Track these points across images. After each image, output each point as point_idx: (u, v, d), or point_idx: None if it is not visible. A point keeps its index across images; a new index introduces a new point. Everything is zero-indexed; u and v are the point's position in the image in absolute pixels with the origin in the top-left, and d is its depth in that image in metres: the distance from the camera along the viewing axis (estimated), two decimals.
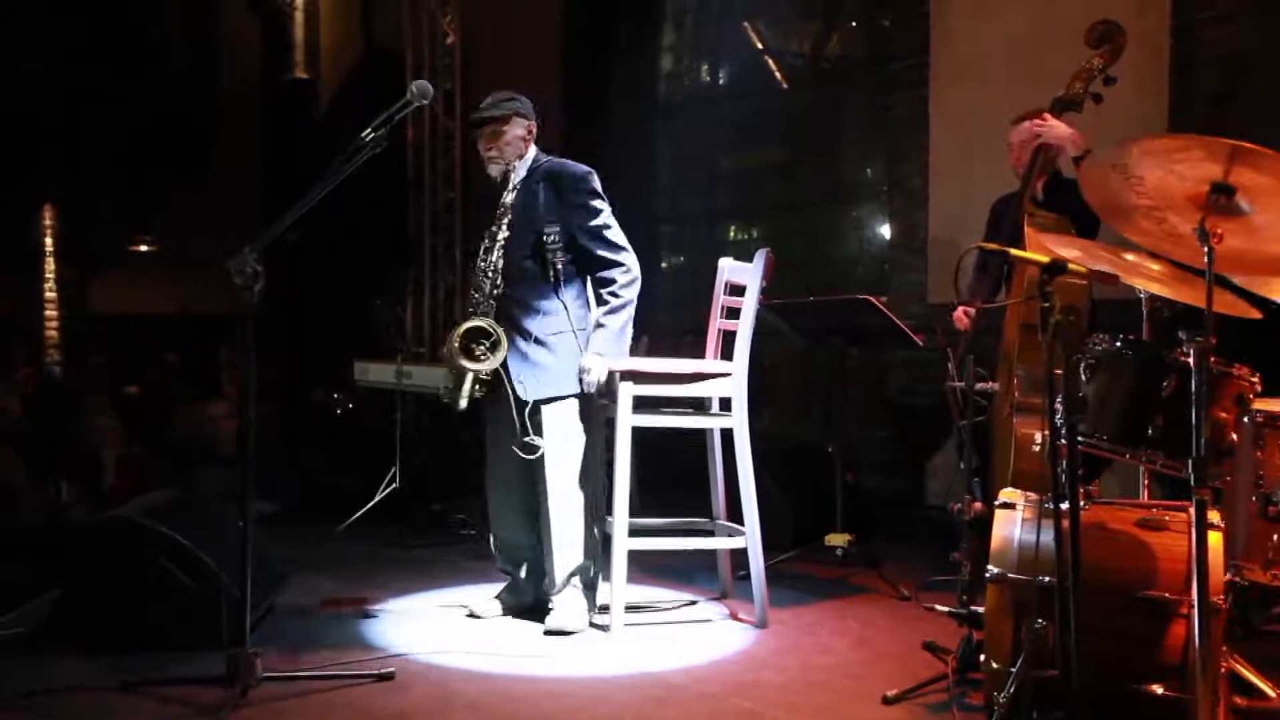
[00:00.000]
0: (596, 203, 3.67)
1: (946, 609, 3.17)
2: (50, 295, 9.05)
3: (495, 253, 3.68)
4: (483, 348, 3.56)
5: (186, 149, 8.92)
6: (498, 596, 3.88)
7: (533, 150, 3.78)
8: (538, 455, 3.61)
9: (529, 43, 7.36)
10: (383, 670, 3.17)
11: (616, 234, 3.68)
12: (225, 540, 3.50)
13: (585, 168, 3.72)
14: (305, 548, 4.82)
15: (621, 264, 3.64)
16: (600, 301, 3.68)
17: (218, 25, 9.37)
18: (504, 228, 3.71)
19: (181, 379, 7.64)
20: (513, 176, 3.75)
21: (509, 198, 3.73)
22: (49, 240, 9.07)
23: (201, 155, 9.00)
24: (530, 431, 3.61)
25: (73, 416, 6.23)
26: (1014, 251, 2.56)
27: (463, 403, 3.63)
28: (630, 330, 3.67)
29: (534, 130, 3.77)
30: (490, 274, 3.68)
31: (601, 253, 3.64)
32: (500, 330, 3.57)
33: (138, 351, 8.07)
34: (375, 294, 6.44)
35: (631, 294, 3.64)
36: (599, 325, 3.63)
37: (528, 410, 3.62)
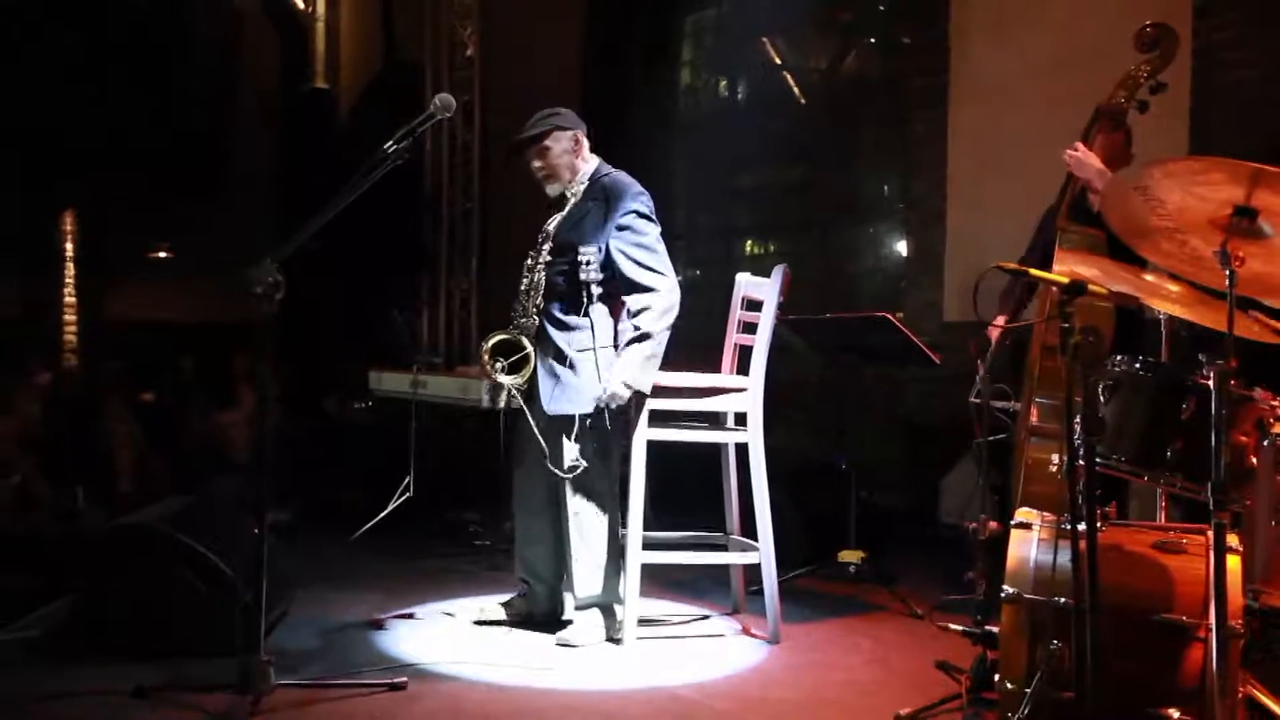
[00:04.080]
0: (643, 224, 3.61)
1: (961, 628, 3.17)
2: (69, 300, 9.10)
3: (538, 270, 3.68)
4: (509, 361, 3.58)
5: (205, 157, 8.97)
6: (509, 603, 3.87)
7: (592, 162, 3.74)
8: (568, 471, 3.61)
9: (548, 56, 7.39)
10: (394, 680, 3.18)
11: (659, 260, 3.62)
12: (239, 548, 3.52)
13: (639, 189, 3.67)
14: (317, 557, 4.83)
15: (657, 290, 3.57)
16: (632, 326, 3.61)
17: (238, 35, 9.43)
18: (548, 243, 3.70)
19: (196, 386, 7.66)
20: (569, 192, 3.72)
21: (554, 219, 3.70)
22: (69, 246, 9.12)
23: (220, 164, 9.04)
24: (549, 447, 3.63)
25: (90, 422, 6.26)
26: (1033, 272, 2.56)
27: (500, 403, 3.64)
28: (658, 360, 3.60)
29: (582, 139, 3.72)
30: (531, 290, 3.68)
31: (638, 278, 3.58)
32: (529, 344, 3.58)
33: (153, 358, 8.10)
34: (390, 304, 6.46)
35: (662, 324, 3.57)
36: (626, 347, 3.58)
37: (549, 426, 3.63)
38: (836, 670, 3.46)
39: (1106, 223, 2.69)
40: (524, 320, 3.66)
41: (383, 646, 3.61)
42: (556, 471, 3.58)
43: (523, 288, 3.73)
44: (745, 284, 4.06)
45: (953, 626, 3.28)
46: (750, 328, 3.90)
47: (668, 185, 7.47)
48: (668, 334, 3.61)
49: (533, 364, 3.58)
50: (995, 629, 2.86)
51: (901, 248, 6.52)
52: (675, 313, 3.62)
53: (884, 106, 6.67)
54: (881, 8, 6.90)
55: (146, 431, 6.67)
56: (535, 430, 3.58)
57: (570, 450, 3.61)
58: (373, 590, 4.28)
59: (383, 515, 5.40)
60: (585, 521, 3.63)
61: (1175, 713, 2.48)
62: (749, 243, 7.79)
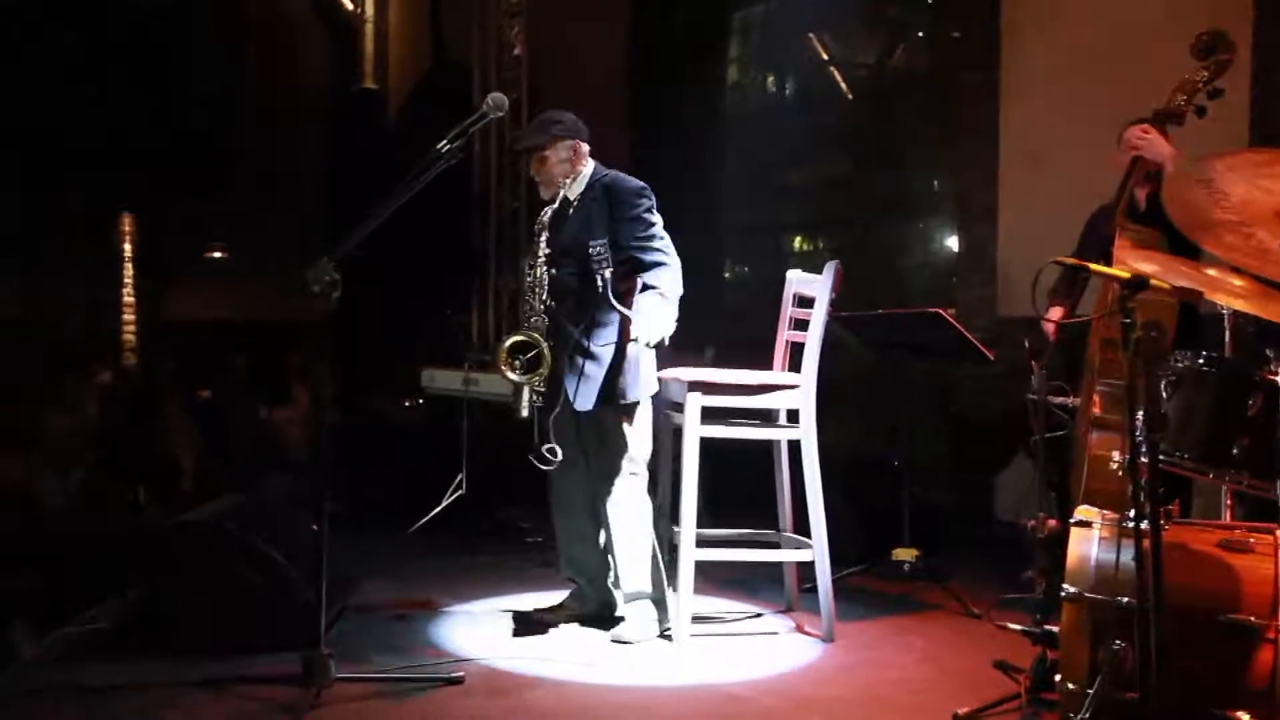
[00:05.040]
0: (649, 216, 3.68)
1: (1020, 627, 3.13)
2: (128, 301, 9.27)
3: (539, 268, 3.70)
4: (526, 360, 3.60)
5: (258, 159, 9.10)
6: (563, 603, 3.90)
7: (589, 166, 3.78)
8: (601, 466, 3.62)
9: (595, 55, 7.41)
10: (452, 675, 3.21)
11: (666, 245, 3.68)
12: (296, 544, 3.58)
13: (639, 183, 3.72)
14: (371, 553, 4.88)
15: (668, 265, 3.65)
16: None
17: (289, 37, 9.55)
18: (543, 244, 3.70)
19: (250, 385, 7.77)
20: (567, 193, 3.75)
21: (547, 213, 3.73)
22: (127, 248, 9.29)
23: (272, 165, 9.17)
24: (582, 443, 3.64)
25: (150, 420, 6.38)
26: (1093, 266, 2.53)
27: (523, 411, 3.66)
28: (674, 312, 3.65)
29: (581, 148, 3.75)
30: (538, 288, 3.70)
31: (650, 258, 3.65)
32: (544, 343, 3.60)
33: (209, 357, 8.23)
34: (440, 304, 6.51)
35: (675, 288, 3.64)
36: (645, 294, 3.62)
37: (580, 423, 3.64)
38: (891, 669, 3.45)
39: (1166, 217, 2.66)
40: (535, 319, 3.67)
41: (439, 641, 3.65)
42: (545, 466, 3.59)
43: (526, 285, 3.74)
44: (796, 280, 4.04)
45: (1011, 626, 3.24)
46: (801, 324, 3.89)
47: (715, 182, 7.45)
48: (676, 299, 3.65)
49: (547, 361, 3.58)
50: (1055, 628, 2.83)
51: (952, 243, 6.46)
52: (680, 289, 3.67)
53: (933, 101, 6.61)
54: (930, 2, 6.84)
55: (203, 430, 6.78)
56: (549, 430, 3.60)
57: (601, 444, 3.63)
58: (426, 587, 4.32)
59: (435, 512, 5.45)
60: (625, 516, 3.65)
61: (1245, 715, 2.43)
62: (797, 239, 7.76)
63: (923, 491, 4.95)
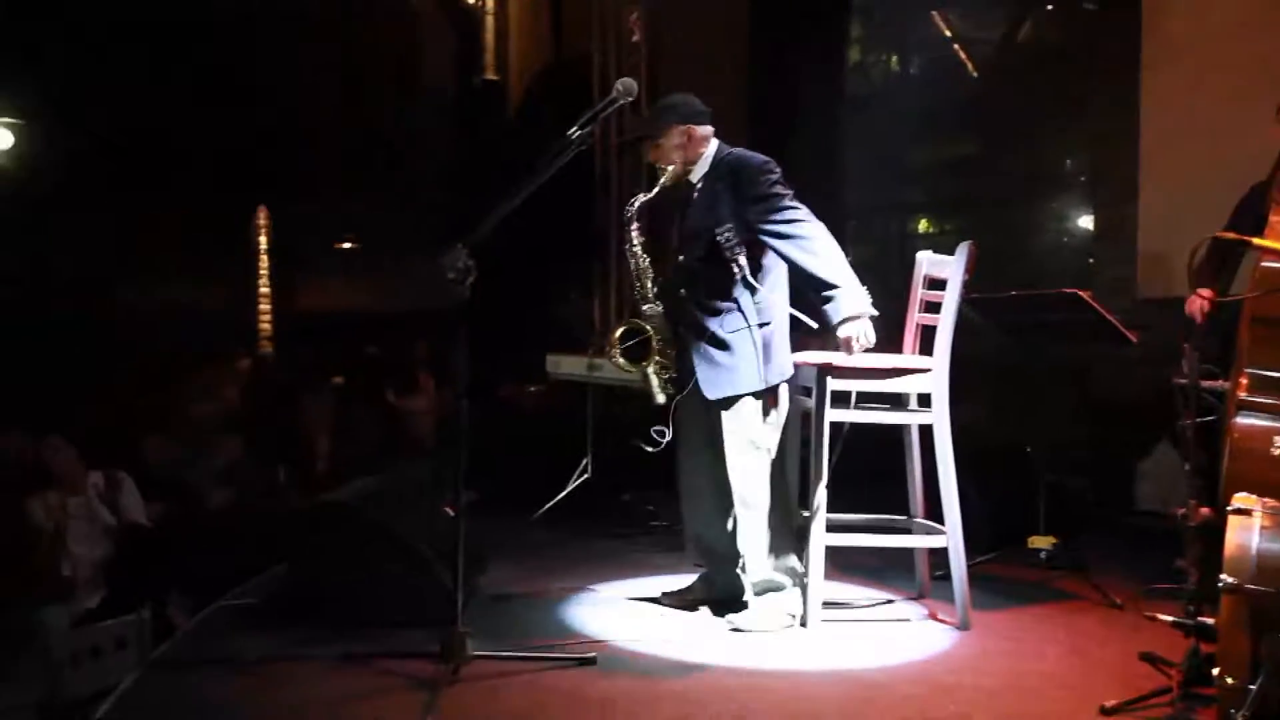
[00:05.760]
0: (777, 190, 3.53)
1: (1171, 619, 3.01)
2: (264, 291, 9.66)
3: (638, 256, 3.67)
4: (634, 347, 3.60)
5: (386, 152, 9.36)
6: (691, 587, 3.90)
7: (711, 147, 3.68)
8: (729, 452, 3.61)
9: (714, 38, 7.37)
10: (585, 655, 3.25)
11: (804, 215, 3.50)
12: (431, 525, 3.67)
13: (763, 158, 3.60)
14: (499, 536, 4.95)
15: (811, 236, 3.47)
16: (818, 290, 3.50)
17: (413, 32, 9.78)
18: (635, 231, 3.68)
19: (380, 372, 8.00)
20: (691, 178, 3.69)
21: (636, 201, 3.68)
22: (263, 240, 9.68)
23: (399, 158, 9.41)
24: (711, 430, 3.64)
25: (287, 406, 6.62)
26: (1257, 241, 2.41)
27: (659, 397, 3.67)
28: (857, 285, 3.47)
29: (696, 132, 3.66)
30: (643, 275, 3.68)
31: (790, 230, 3.48)
32: (650, 328, 3.59)
33: (341, 345, 8.51)
34: (564, 290, 6.57)
35: (838, 259, 3.46)
36: (824, 294, 3.45)
37: (711, 410, 3.63)
38: (1031, 659, 3.35)
39: None
40: (646, 307, 3.66)
41: (568, 623, 3.70)
42: (650, 449, 3.59)
43: (631, 272, 3.72)
44: (927, 262, 3.95)
45: (1162, 617, 3.12)
46: (932, 307, 3.81)
47: (837, 164, 7.35)
48: (838, 254, 3.49)
49: (654, 348, 3.57)
50: (1209, 620, 2.72)
51: (1086, 222, 6.24)
52: (829, 242, 3.50)
53: (1066, 75, 6.39)
54: None
55: (336, 415, 7.02)
56: (703, 413, 3.58)
57: (730, 432, 3.59)
58: (554, 569, 4.38)
59: (561, 496, 5.52)
60: (752, 504, 3.61)
61: None
62: (923, 220, 7.61)
63: (1057, 478, 4.80)
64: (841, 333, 3.45)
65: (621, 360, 3.63)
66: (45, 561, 4.36)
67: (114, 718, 2.86)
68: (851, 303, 3.45)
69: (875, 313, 3.48)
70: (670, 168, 3.68)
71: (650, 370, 3.63)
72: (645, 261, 3.67)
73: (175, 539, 4.73)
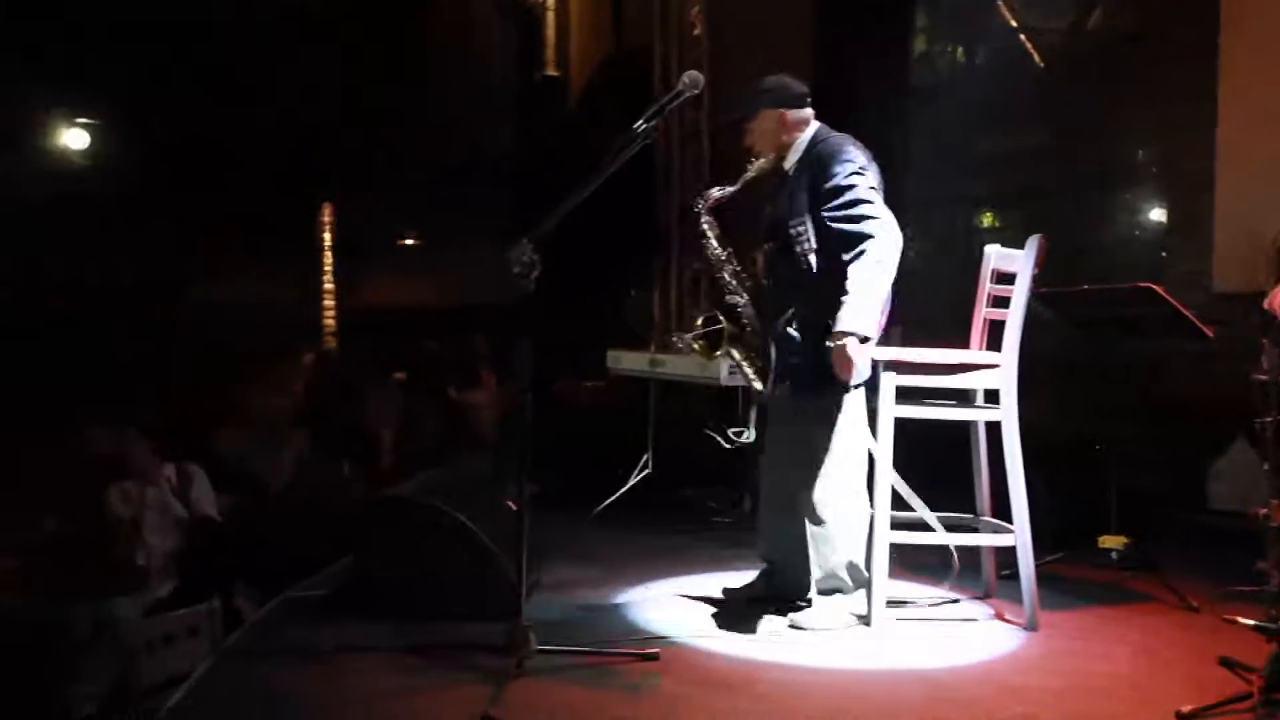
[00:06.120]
0: (847, 182, 3.40)
1: (1252, 622, 2.93)
2: (328, 287, 9.82)
3: (714, 248, 3.66)
4: (710, 334, 3.59)
5: (447, 148, 9.44)
6: (753, 583, 3.86)
7: (807, 132, 3.59)
8: (796, 449, 3.57)
9: (776, 30, 7.31)
10: (646, 651, 3.24)
11: (869, 211, 3.37)
12: (493, 518, 3.69)
13: (843, 145, 3.48)
14: (559, 531, 4.97)
15: (871, 236, 3.34)
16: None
17: (474, 28, 9.85)
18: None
19: (442, 367, 8.08)
20: (784, 164, 3.62)
21: (714, 192, 3.65)
22: (327, 237, 9.84)
23: (461, 153, 9.48)
24: (782, 426, 3.61)
25: (351, 400, 6.71)
26: None
27: (757, 385, 3.67)
28: (877, 305, 3.34)
29: (789, 117, 3.57)
30: (727, 264, 3.66)
31: (851, 229, 3.38)
32: (721, 318, 3.56)
33: (403, 340, 8.61)
34: (626, 285, 6.57)
35: (876, 271, 3.30)
36: (844, 299, 3.33)
37: (783, 406, 3.60)
38: (1101, 660, 3.29)
39: None
40: (729, 297, 3.65)
41: (631, 618, 3.70)
42: (728, 445, 3.57)
43: (714, 262, 3.70)
44: (995, 256, 3.89)
45: (1242, 620, 3.04)
46: (1000, 301, 3.74)
47: (900, 157, 7.25)
48: (887, 278, 3.35)
49: (728, 337, 3.56)
50: None
51: (1158, 214, 6.09)
52: (894, 254, 3.37)
53: (1137, 63, 6.23)
54: None
55: (398, 409, 7.10)
56: (790, 405, 3.55)
57: (800, 427, 3.56)
58: (615, 565, 4.38)
59: (622, 492, 5.52)
60: (820, 501, 3.56)
61: None
62: (988, 213, 7.49)
63: (1127, 477, 4.69)
64: (829, 342, 3.34)
65: (696, 347, 3.63)
66: (122, 551, 4.47)
67: (187, 705, 2.91)
68: (850, 319, 3.30)
69: (872, 338, 3.36)
70: (760, 160, 3.60)
71: (740, 359, 3.62)
72: (725, 253, 3.63)
73: (243, 531, 4.82)
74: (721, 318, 3.59)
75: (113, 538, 4.44)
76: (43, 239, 8.06)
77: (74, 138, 8.91)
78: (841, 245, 3.41)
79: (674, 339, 3.69)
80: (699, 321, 3.66)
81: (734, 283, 3.67)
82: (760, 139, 3.61)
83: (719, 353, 3.68)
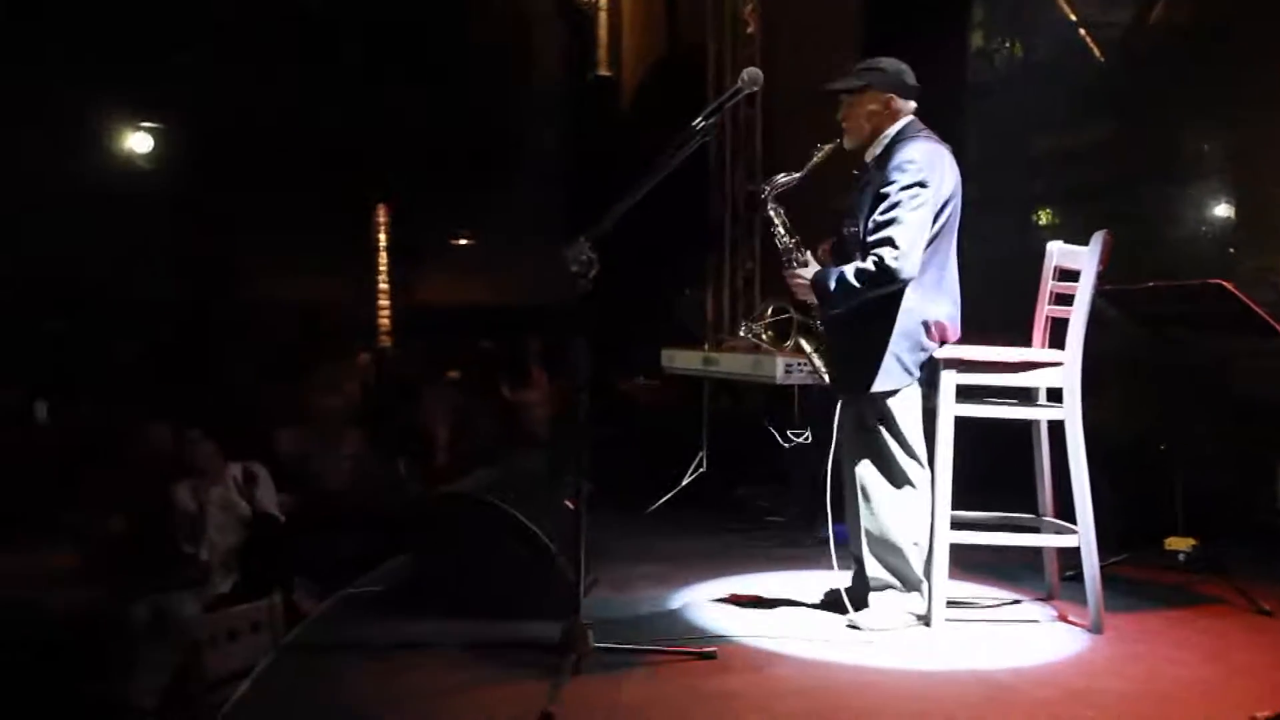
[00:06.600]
0: (899, 195, 3.35)
1: None
2: (383, 287, 9.93)
3: (780, 237, 3.61)
4: (777, 325, 3.57)
5: (500, 148, 9.50)
6: (848, 588, 3.71)
7: (897, 126, 3.51)
8: (857, 445, 3.54)
9: (829, 26, 7.26)
10: (704, 650, 3.23)
11: (895, 230, 3.33)
12: (550, 516, 3.70)
13: (910, 151, 3.42)
14: (613, 530, 4.96)
15: (868, 265, 3.34)
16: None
17: (527, 28, 9.90)
18: (769, 211, 3.61)
19: (496, 366, 8.12)
20: (867, 155, 3.56)
21: (778, 180, 3.59)
22: (382, 237, 9.95)
23: (514, 154, 9.54)
24: (845, 422, 3.58)
25: (407, 400, 6.77)
26: None
27: (826, 378, 3.64)
28: (838, 297, 3.40)
29: (895, 104, 3.48)
30: (794, 254, 3.61)
31: (872, 239, 3.38)
32: (791, 309, 3.53)
33: (457, 339, 8.67)
34: (679, 283, 6.56)
35: (865, 284, 3.34)
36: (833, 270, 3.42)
37: (846, 402, 3.57)
38: (1170, 664, 3.21)
39: None
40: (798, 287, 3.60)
41: (688, 617, 3.68)
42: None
43: (783, 250, 3.63)
44: (1058, 253, 3.82)
45: None
46: (1062, 299, 3.68)
47: (960, 154, 7.16)
48: (860, 297, 3.38)
49: (795, 328, 3.53)
50: None
51: (1225, 209, 5.96)
52: (881, 289, 3.36)
53: (1201, 58, 6.10)
54: None
55: (453, 408, 7.14)
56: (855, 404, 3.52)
57: (860, 424, 3.52)
58: (669, 563, 4.36)
59: (677, 490, 5.51)
60: (874, 498, 3.52)
61: None
62: (1047, 210, 7.37)
63: (1194, 477, 4.58)
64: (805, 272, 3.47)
65: (765, 338, 3.61)
66: (186, 547, 4.55)
67: (251, 698, 2.95)
68: (824, 278, 3.43)
69: (813, 302, 3.50)
70: (827, 146, 3.51)
71: (810, 350, 3.59)
72: (792, 241, 3.57)
73: (303, 528, 4.88)
74: (790, 308, 3.55)
75: (177, 534, 4.52)
76: (104, 241, 8.24)
77: (138, 141, 9.09)
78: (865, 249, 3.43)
79: (741, 328, 3.63)
80: (768, 311, 3.61)
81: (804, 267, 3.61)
82: (856, 118, 3.52)
83: (788, 343, 3.64)
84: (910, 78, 3.56)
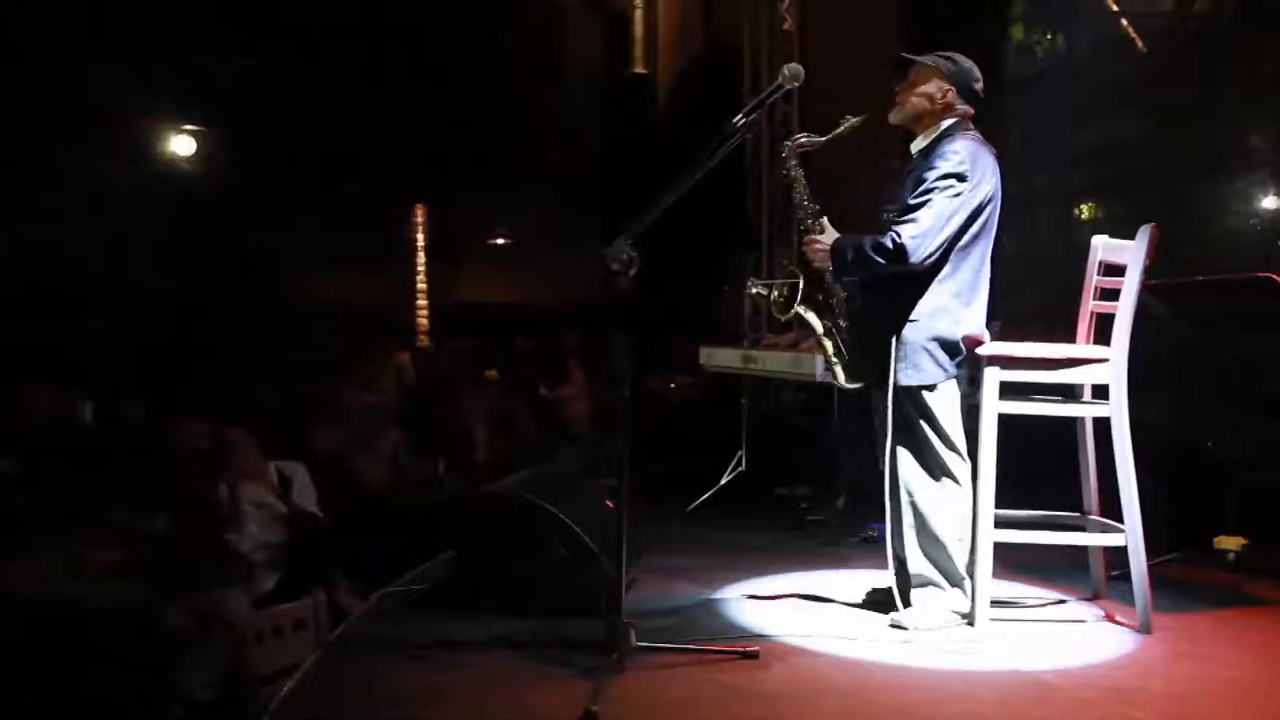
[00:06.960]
0: (934, 183, 3.33)
1: None
2: (420, 286, 9.99)
3: (807, 218, 3.59)
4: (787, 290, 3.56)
5: (537, 147, 9.52)
6: (889, 587, 3.66)
7: (950, 119, 3.48)
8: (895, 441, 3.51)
9: (867, 23, 7.21)
10: (747, 649, 3.21)
11: (926, 211, 3.31)
12: (590, 515, 3.70)
13: (954, 148, 3.39)
14: (653, 528, 4.95)
15: (886, 242, 3.32)
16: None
17: (563, 26, 9.91)
18: (799, 195, 3.59)
19: (533, 364, 8.15)
20: (913, 147, 3.54)
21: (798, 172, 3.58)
22: (419, 237, 10.00)
23: (550, 152, 9.56)
24: (883, 417, 3.55)
25: (445, 399, 6.80)
26: None
27: (842, 380, 3.61)
28: (853, 267, 3.41)
29: (951, 96, 3.46)
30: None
31: (899, 216, 3.37)
32: (798, 270, 3.54)
33: (494, 338, 8.71)
34: (717, 282, 6.55)
35: (878, 258, 3.33)
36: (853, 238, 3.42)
37: (884, 397, 3.54)
38: (1223, 666, 3.16)
39: None
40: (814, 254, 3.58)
41: (729, 616, 3.67)
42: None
43: (803, 214, 3.62)
44: (1103, 247, 3.77)
45: None
46: (1107, 294, 3.63)
47: (1000, 149, 7.09)
48: (872, 269, 3.39)
49: (800, 293, 3.50)
50: None
51: (1271, 202, 5.85)
52: (890, 267, 3.35)
53: (1246, 48, 5.99)
54: None
55: (491, 406, 7.16)
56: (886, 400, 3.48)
57: (900, 419, 3.48)
58: (709, 562, 4.35)
59: (716, 489, 5.50)
60: (915, 494, 3.49)
61: None
62: (1090, 206, 7.28)
63: (1243, 475, 4.50)
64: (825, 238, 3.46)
65: (771, 295, 3.58)
66: (228, 544, 4.58)
67: (297, 695, 2.97)
68: (843, 243, 3.43)
69: (829, 270, 3.49)
70: (856, 119, 3.48)
71: (817, 329, 3.55)
72: (812, 207, 3.55)
73: (342, 526, 4.91)
74: (799, 273, 3.51)
75: (219, 531, 4.55)
76: (146, 241, 8.34)
77: (180, 142, 9.19)
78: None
79: (749, 284, 3.57)
80: (784, 272, 3.58)
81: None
82: (912, 98, 3.49)
83: (791, 312, 3.59)
84: (978, 84, 3.54)
